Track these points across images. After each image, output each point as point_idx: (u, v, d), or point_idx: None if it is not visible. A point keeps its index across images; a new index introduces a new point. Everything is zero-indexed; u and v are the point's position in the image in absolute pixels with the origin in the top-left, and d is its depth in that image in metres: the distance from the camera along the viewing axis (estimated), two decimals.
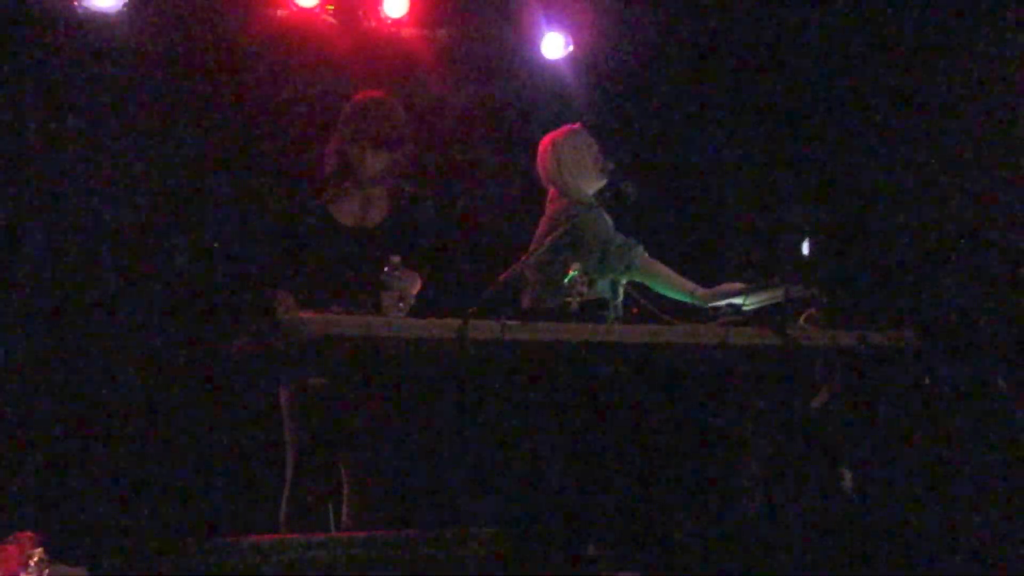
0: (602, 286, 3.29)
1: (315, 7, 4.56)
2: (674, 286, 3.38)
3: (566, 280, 2.91)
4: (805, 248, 3.41)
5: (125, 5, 4.14)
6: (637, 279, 3.39)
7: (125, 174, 4.28)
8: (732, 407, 3.27)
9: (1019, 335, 4.03)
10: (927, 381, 3.85)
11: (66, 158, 4.19)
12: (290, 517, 2.97)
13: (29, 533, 2.80)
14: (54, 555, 2.76)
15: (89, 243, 4.17)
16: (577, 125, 3.58)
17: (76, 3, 4.08)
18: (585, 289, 2.92)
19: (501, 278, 3.20)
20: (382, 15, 4.69)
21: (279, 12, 4.55)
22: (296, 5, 4.53)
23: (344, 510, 3.04)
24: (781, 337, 3.02)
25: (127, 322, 4.16)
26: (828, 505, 3.25)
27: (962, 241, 4.28)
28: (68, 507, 3.85)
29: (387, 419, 2.99)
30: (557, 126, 3.61)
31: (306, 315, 2.66)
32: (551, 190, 3.55)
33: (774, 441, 3.29)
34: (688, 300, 3.35)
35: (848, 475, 3.34)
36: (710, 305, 3.28)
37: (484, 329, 2.61)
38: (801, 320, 3.22)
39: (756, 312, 3.20)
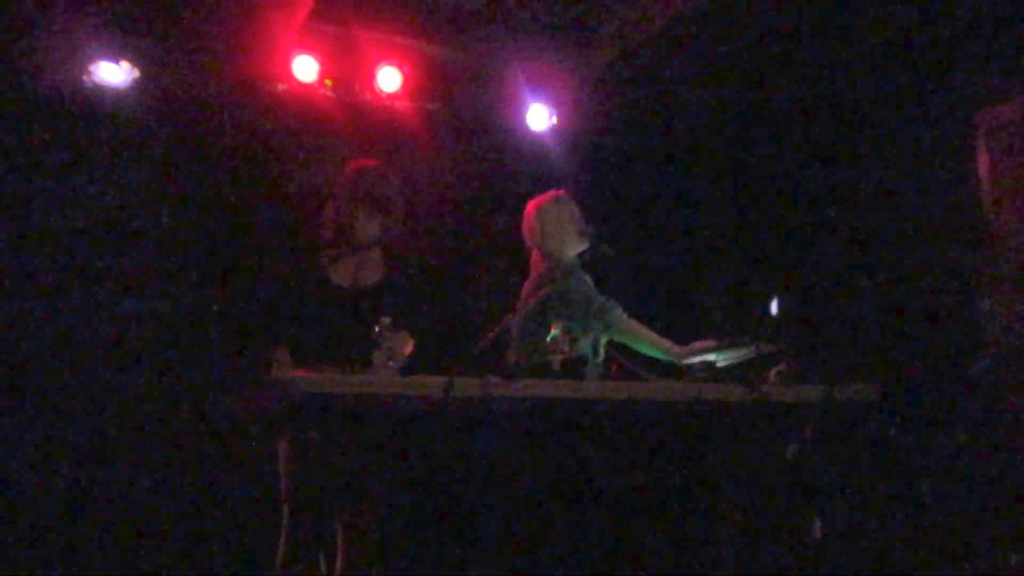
0: (582, 344, 3.28)
1: (314, 82, 4.62)
2: (651, 344, 3.37)
3: (548, 339, 2.89)
4: (773, 308, 3.40)
5: (134, 80, 4.20)
6: (616, 338, 3.39)
7: (132, 237, 4.28)
8: (708, 459, 3.24)
9: (975, 389, 4.04)
10: (891, 432, 3.85)
11: (75, 223, 4.18)
12: (285, 568, 2.93)
13: None
14: None
15: (93, 302, 4.15)
16: (560, 192, 3.59)
17: (86, 77, 4.11)
18: (567, 347, 2.90)
19: (487, 336, 3.19)
20: (377, 89, 4.77)
21: (280, 87, 4.61)
22: (296, 80, 4.59)
23: (337, 562, 2.99)
24: (753, 392, 2.99)
25: (129, 378, 4.13)
26: (801, 553, 3.22)
27: (922, 303, 4.30)
28: (70, 561, 3.78)
29: (378, 473, 2.95)
30: (541, 192, 3.62)
31: (300, 373, 2.64)
32: (535, 253, 3.56)
33: (749, 491, 3.26)
34: (664, 357, 3.34)
35: (818, 524, 3.31)
36: (685, 362, 3.27)
37: (469, 386, 2.58)
38: (771, 376, 3.20)
39: (729, 369, 3.19)
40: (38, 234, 4.09)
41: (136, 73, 4.17)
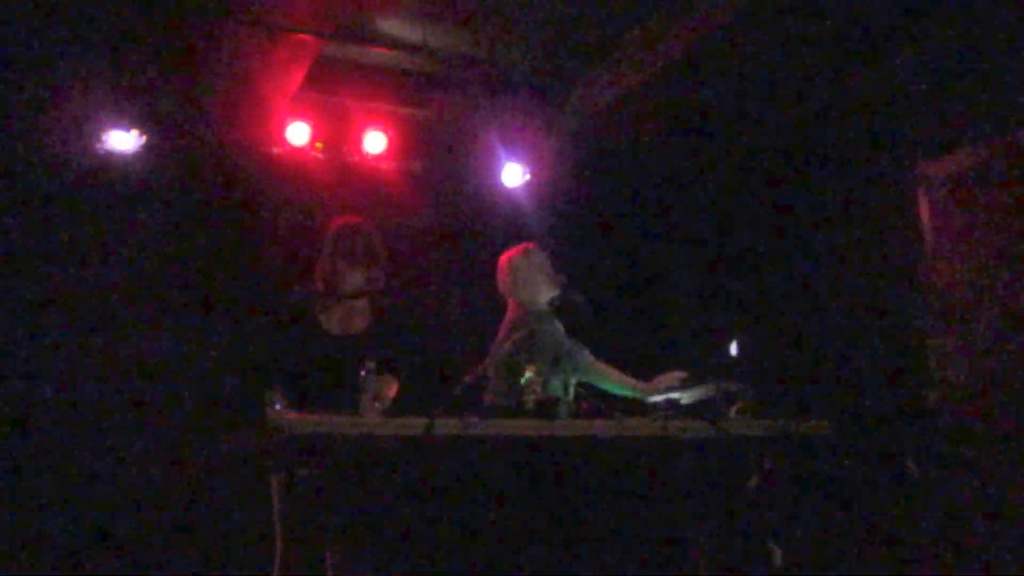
0: (554, 385, 3.33)
1: (306, 145, 4.73)
2: (618, 382, 3.43)
3: (522, 381, 2.94)
4: (733, 348, 3.46)
5: (142, 146, 4.29)
6: (584, 378, 3.44)
7: (139, 289, 4.36)
8: (673, 492, 3.27)
9: (925, 424, 4.09)
10: (846, 464, 3.89)
11: (89, 275, 4.27)
12: None
13: None
14: None
15: (102, 349, 4.21)
16: (531, 244, 3.65)
17: (99, 145, 4.21)
18: (539, 389, 2.95)
19: (466, 379, 3.24)
20: (364, 151, 4.88)
21: (275, 150, 4.72)
22: (289, 144, 4.70)
23: None
24: (714, 428, 3.04)
25: (133, 419, 4.17)
26: None
27: (871, 344, 4.36)
28: None
29: (365, 508, 2.98)
30: (515, 243, 3.69)
31: (292, 414, 2.69)
32: (510, 301, 3.61)
33: (712, 521, 3.28)
34: (631, 394, 3.40)
35: (778, 552, 3.33)
36: (651, 399, 3.31)
37: (449, 426, 2.63)
38: (732, 412, 3.25)
39: (692, 406, 3.23)
40: (52, 287, 4.16)
41: (144, 139, 4.27)
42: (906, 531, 3.91)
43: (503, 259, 3.63)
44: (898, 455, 4.03)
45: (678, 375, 3.32)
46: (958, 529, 3.88)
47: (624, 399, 3.39)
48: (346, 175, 4.86)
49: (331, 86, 4.73)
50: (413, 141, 5.01)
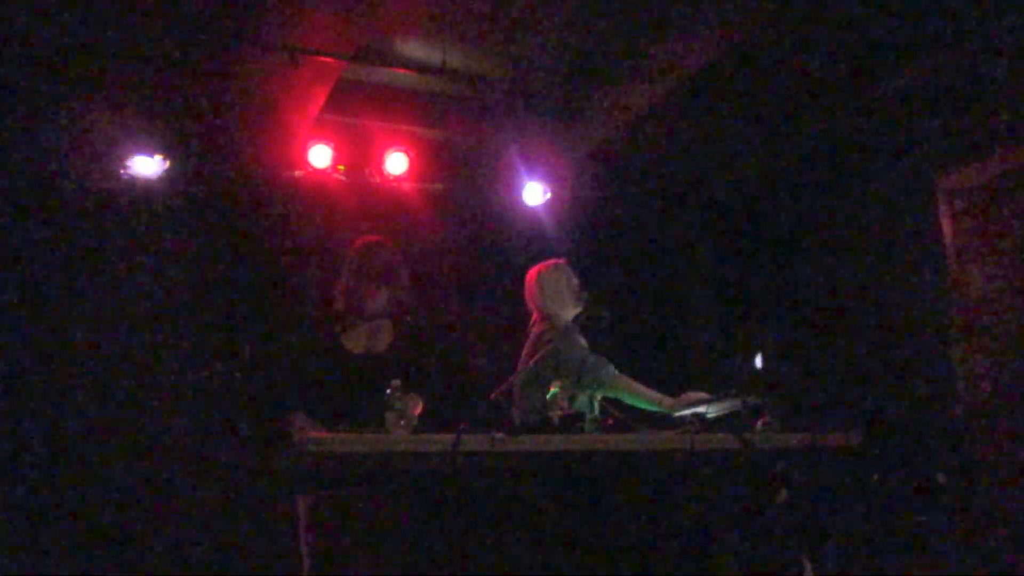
0: (580, 400, 3.26)
1: (328, 167, 4.71)
2: (643, 397, 3.35)
3: (548, 396, 2.88)
4: (758, 362, 3.39)
5: (165, 171, 4.29)
6: (610, 393, 3.37)
7: (163, 310, 4.34)
8: (701, 506, 3.20)
9: (953, 435, 4.01)
10: (874, 477, 3.81)
11: (113, 297, 4.26)
12: None
13: None
14: None
15: (127, 370, 4.19)
16: (560, 260, 3.62)
17: (123, 171, 4.21)
18: (565, 404, 2.89)
19: (492, 395, 3.18)
20: (385, 172, 4.85)
21: (297, 172, 4.70)
22: (312, 166, 4.68)
23: None
24: (740, 442, 2.96)
25: (160, 441, 4.14)
26: None
27: (897, 355, 4.30)
28: None
29: (393, 526, 2.92)
30: (536, 262, 3.66)
31: (318, 434, 2.63)
32: (535, 315, 3.57)
33: (740, 535, 3.21)
34: (657, 409, 3.32)
35: (809, 566, 3.25)
36: (677, 414, 3.24)
37: (476, 442, 2.57)
38: (758, 426, 3.17)
39: (718, 420, 3.15)
40: (77, 309, 4.15)
41: (168, 164, 4.26)
42: (935, 543, 3.81)
43: (532, 273, 3.61)
44: (927, 467, 3.94)
45: (704, 396, 3.23)
46: (988, 540, 3.78)
47: (650, 414, 3.30)
48: (368, 196, 4.85)
49: (352, 108, 4.72)
50: (434, 161, 5.00)
